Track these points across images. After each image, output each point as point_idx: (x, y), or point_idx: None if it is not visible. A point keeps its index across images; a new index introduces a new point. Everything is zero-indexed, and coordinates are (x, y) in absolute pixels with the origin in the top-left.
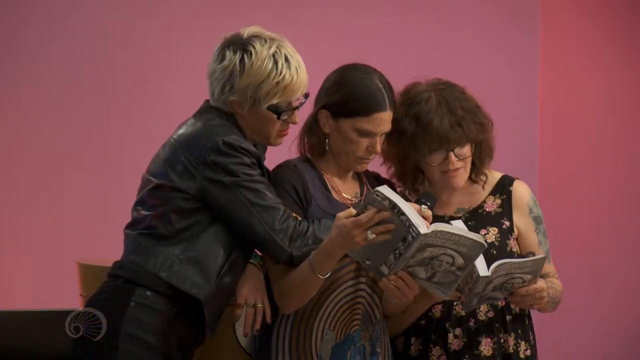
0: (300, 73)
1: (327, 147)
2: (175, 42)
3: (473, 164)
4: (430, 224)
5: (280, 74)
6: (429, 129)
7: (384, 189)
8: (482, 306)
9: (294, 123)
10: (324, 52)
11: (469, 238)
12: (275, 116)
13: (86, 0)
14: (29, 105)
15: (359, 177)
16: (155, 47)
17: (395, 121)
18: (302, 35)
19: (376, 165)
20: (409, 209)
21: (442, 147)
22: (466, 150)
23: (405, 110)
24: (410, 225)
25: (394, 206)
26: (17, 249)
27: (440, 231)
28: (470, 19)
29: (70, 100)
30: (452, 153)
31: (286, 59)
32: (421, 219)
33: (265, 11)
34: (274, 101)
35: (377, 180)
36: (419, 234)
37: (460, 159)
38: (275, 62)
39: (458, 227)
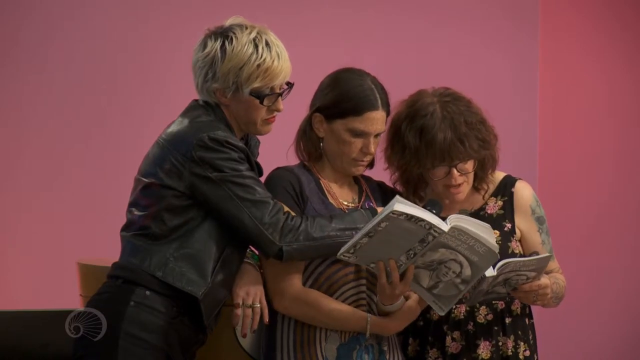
0: (282, 58)
1: (321, 151)
2: (175, 42)
3: (475, 174)
4: None
5: (261, 57)
6: (432, 145)
7: (400, 207)
8: (481, 309)
9: (278, 110)
10: (323, 52)
11: (483, 245)
12: (258, 101)
13: (86, 0)
14: (29, 105)
15: (358, 183)
16: (155, 47)
17: (399, 133)
18: (302, 35)
19: (380, 169)
20: (426, 214)
21: (444, 162)
22: (469, 165)
23: (410, 123)
24: (430, 227)
25: (410, 217)
26: (17, 249)
27: (459, 229)
28: (470, 19)
29: (70, 100)
30: (454, 169)
31: (267, 44)
32: (438, 218)
33: (265, 11)
34: (256, 85)
35: (380, 188)
36: (442, 232)
37: (463, 174)
38: (256, 46)
39: (477, 223)
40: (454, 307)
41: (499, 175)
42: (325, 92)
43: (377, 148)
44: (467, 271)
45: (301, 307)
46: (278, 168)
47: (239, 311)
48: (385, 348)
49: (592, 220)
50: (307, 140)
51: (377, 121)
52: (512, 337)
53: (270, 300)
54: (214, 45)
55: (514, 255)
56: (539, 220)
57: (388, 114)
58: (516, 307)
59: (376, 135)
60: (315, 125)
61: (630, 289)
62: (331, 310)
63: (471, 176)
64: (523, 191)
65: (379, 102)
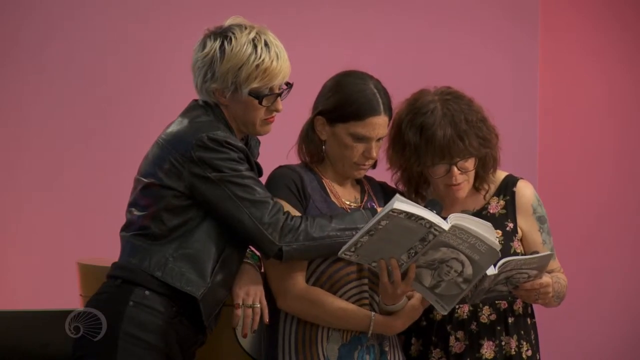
0: (281, 59)
1: (324, 154)
2: (175, 42)
3: (476, 174)
4: None
5: (260, 57)
6: (431, 142)
7: (399, 205)
8: (484, 309)
9: (277, 111)
10: (323, 52)
11: (485, 243)
12: (257, 101)
13: (86, 0)
14: (29, 105)
15: (361, 183)
16: (155, 47)
17: (400, 131)
18: (302, 35)
19: (382, 169)
20: (426, 212)
21: (444, 160)
22: (469, 163)
23: (411, 121)
24: (431, 225)
25: (410, 216)
26: (17, 249)
27: (460, 228)
28: (470, 19)
29: (70, 100)
30: (454, 167)
31: (266, 44)
32: (439, 217)
33: (265, 11)
34: (255, 85)
35: (383, 189)
36: (442, 230)
37: (463, 172)
38: (255, 47)
39: (478, 221)
40: (457, 307)
41: (501, 174)
42: (328, 95)
43: (379, 150)
44: (469, 270)
45: (305, 305)
46: (280, 166)
47: (239, 311)
48: (387, 348)
49: (592, 220)
50: (310, 142)
51: (379, 126)
52: (515, 336)
53: (273, 300)
54: (213, 46)
55: (515, 255)
56: (540, 220)
57: (390, 118)
58: (518, 306)
59: (378, 140)
60: (318, 128)
61: (630, 289)
62: (335, 308)
63: (472, 175)
64: (525, 190)
65: (381, 107)
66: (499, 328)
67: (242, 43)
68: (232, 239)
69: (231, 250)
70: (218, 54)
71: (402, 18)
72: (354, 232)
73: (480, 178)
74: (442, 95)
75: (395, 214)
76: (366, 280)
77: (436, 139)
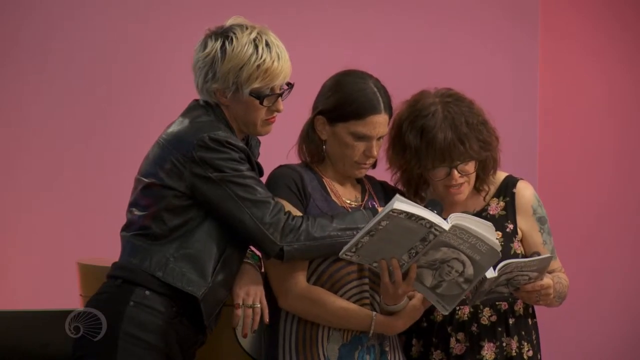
0: (282, 59)
1: (324, 154)
2: (175, 42)
3: (477, 176)
4: None
5: (261, 57)
6: (432, 145)
7: (400, 205)
8: (485, 310)
9: (278, 111)
10: (324, 52)
11: (485, 243)
12: (258, 101)
13: (86, 0)
14: (29, 105)
15: (361, 182)
16: (155, 47)
17: (400, 132)
18: (303, 35)
19: (382, 169)
20: (426, 212)
21: (444, 163)
22: (469, 166)
23: (411, 123)
24: (431, 225)
25: (410, 216)
26: (17, 249)
27: (461, 228)
28: (470, 19)
29: (70, 100)
30: (455, 170)
31: (267, 44)
32: (439, 217)
33: (265, 11)
34: (256, 85)
35: (383, 188)
36: (443, 230)
37: (463, 175)
38: (256, 47)
39: (478, 221)
40: (457, 308)
41: (501, 175)
42: (328, 94)
43: (380, 149)
44: (470, 270)
45: (306, 304)
46: (280, 166)
47: (239, 311)
48: (387, 349)
49: (592, 220)
50: (310, 142)
51: (379, 125)
52: (515, 337)
53: (274, 299)
54: (214, 46)
55: (516, 256)
56: (541, 221)
57: (391, 116)
58: (519, 307)
59: (379, 139)
60: (318, 127)
61: (630, 289)
62: (336, 308)
63: (472, 177)
64: (524, 191)
65: (381, 105)
66: (499, 329)
67: (243, 43)
68: (233, 239)
69: (232, 250)
70: (219, 54)
71: (402, 18)
72: (354, 232)
73: (481, 180)
74: (443, 98)
75: (396, 214)
76: (367, 280)
77: (437, 142)
